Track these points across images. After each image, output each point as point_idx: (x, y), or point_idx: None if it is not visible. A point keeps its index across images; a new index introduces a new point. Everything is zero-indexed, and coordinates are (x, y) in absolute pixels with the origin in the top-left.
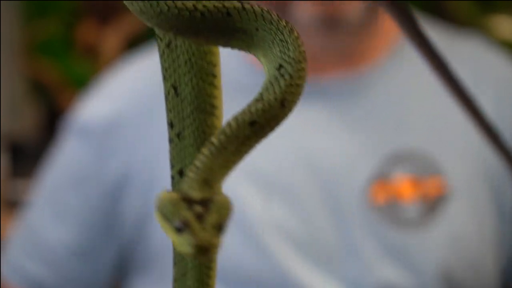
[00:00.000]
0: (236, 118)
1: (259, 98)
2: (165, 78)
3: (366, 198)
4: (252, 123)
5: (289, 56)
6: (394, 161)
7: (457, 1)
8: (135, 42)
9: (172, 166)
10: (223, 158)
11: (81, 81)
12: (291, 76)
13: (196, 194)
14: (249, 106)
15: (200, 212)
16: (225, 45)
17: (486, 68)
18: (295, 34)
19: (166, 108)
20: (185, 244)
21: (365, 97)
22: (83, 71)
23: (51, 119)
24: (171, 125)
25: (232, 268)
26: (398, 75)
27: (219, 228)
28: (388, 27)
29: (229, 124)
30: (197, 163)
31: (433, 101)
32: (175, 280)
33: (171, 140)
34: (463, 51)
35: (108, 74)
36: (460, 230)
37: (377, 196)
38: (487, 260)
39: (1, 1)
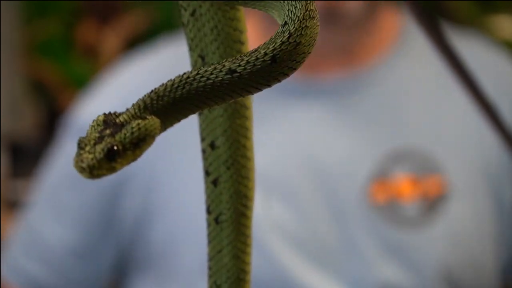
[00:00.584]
0: (218, 62)
1: (254, 51)
2: (191, 49)
3: (366, 197)
4: (232, 71)
5: (294, 14)
6: (394, 160)
7: (457, 1)
8: (135, 42)
9: (203, 139)
10: (183, 93)
11: (81, 81)
12: (290, 34)
13: (122, 116)
14: (239, 56)
15: (104, 134)
16: (244, 4)
17: (486, 67)
18: None
19: None
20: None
21: (365, 96)
22: (83, 71)
23: (51, 119)
24: None
25: None
26: (398, 74)
27: (109, 150)
28: (389, 25)
29: (207, 65)
30: (155, 89)
31: (433, 100)
32: (211, 259)
33: (200, 112)
34: (463, 50)
35: (107, 75)
36: (460, 228)
37: (377, 196)
38: (486, 259)
39: (1, 1)
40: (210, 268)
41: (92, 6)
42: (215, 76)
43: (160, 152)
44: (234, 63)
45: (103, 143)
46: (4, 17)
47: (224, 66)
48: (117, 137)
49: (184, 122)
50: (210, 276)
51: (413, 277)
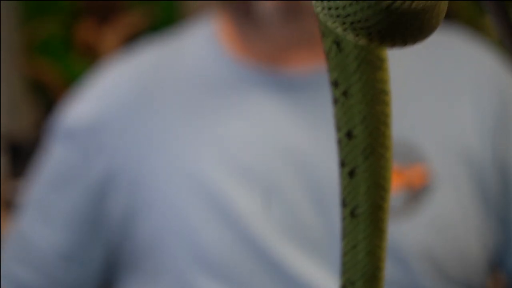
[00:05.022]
0: None
1: None
2: (325, 35)
3: None
4: None
5: None
6: None
7: (457, 1)
8: (134, 42)
9: (339, 129)
10: None
11: (80, 81)
12: None
13: None
14: None
15: None
16: None
17: (465, 59)
18: None
19: (329, 67)
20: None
21: None
22: (82, 70)
23: (51, 118)
24: (335, 84)
25: (226, 263)
26: None
27: None
28: None
29: None
30: None
31: (412, 89)
32: (344, 254)
33: (336, 101)
34: (444, 44)
35: (95, 76)
36: (444, 217)
37: None
38: (472, 247)
39: (1, 1)
40: (344, 264)
41: (92, 6)
42: None
43: (145, 152)
44: None
45: None
46: (4, 17)
47: None
48: None
49: (171, 118)
50: (343, 273)
51: (399, 266)
